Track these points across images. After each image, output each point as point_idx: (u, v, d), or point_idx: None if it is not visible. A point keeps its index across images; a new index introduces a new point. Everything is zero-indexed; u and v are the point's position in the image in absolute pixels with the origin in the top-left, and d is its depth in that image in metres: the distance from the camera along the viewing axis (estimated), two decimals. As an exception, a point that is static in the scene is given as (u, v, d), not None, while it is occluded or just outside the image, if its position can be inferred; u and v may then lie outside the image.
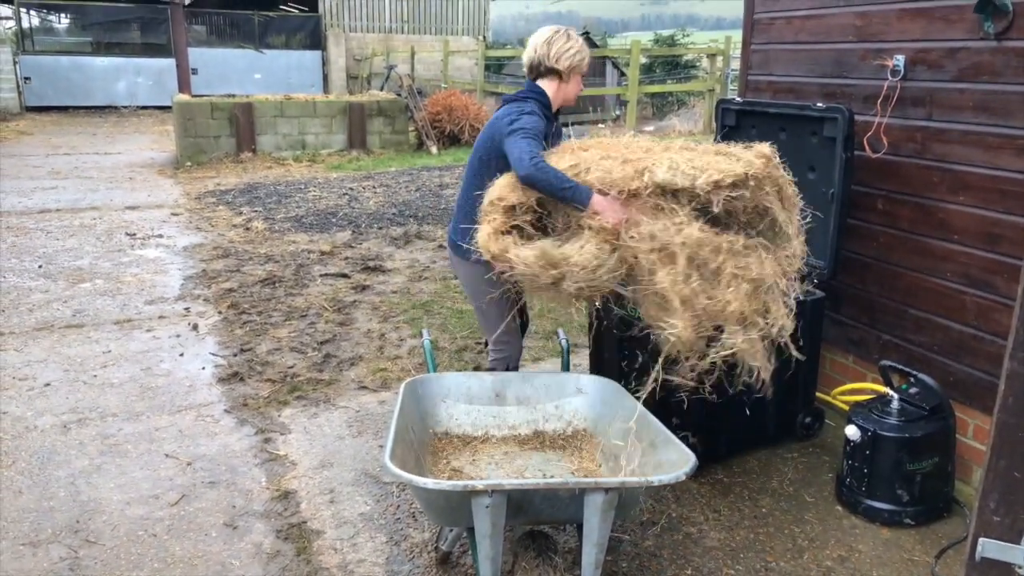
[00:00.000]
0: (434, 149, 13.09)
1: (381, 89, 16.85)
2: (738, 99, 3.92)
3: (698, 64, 20.18)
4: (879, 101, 3.38)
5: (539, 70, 3.08)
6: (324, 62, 22.62)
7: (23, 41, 19.65)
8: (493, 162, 2.96)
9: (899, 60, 3.29)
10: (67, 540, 2.86)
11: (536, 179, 2.64)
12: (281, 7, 27.21)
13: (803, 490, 3.24)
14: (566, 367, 3.27)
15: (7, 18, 22.86)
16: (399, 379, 4.26)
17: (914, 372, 3.11)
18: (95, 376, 4.27)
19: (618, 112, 17.64)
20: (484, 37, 24.49)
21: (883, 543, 2.91)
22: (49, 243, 6.99)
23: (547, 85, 3.09)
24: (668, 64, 20.22)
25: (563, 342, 3.33)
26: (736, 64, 15.81)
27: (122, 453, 3.48)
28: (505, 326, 3.15)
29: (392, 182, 10.37)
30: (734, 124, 3.90)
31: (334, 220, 8.12)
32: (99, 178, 10.41)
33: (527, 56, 3.10)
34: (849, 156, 3.31)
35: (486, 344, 3.35)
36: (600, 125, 16.38)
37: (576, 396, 2.96)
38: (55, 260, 6.45)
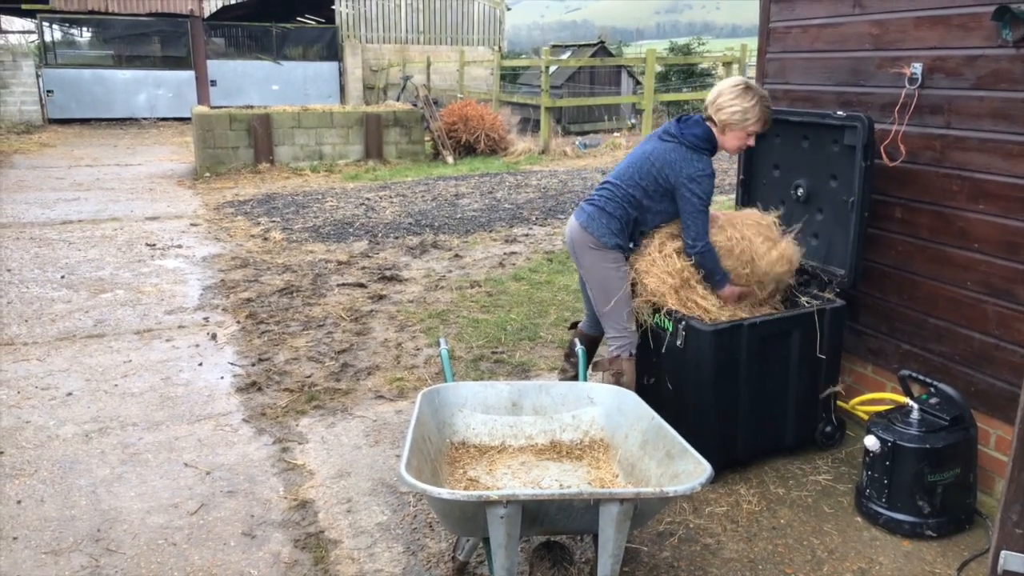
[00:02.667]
0: (450, 159, 13.15)
1: (397, 99, 16.98)
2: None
3: (714, 72, 20.15)
4: (896, 109, 3.36)
5: (707, 114, 3.34)
6: (341, 73, 22.81)
7: (46, 55, 19.98)
8: (656, 197, 3.33)
9: (916, 68, 3.28)
10: (88, 549, 2.89)
11: (700, 263, 3.30)
12: (298, 19, 27.50)
13: (822, 501, 3.22)
14: (583, 375, 3.27)
15: (30, 32, 23.25)
16: (416, 388, 4.28)
17: (934, 382, 3.08)
18: (116, 385, 4.32)
19: (633, 121, 17.63)
20: (499, 47, 24.60)
21: (904, 555, 2.88)
22: (71, 254, 7.09)
23: (714, 130, 3.34)
24: (684, 72, 20.21)
25: (580, 351, 3.33)
26: (752, 72, 15.79)
27: (142, 462, 3.52)
28: (632, 311, 3.39)
29: (408, 192, 10.43)
30: (759, 133, 3.88)
31: (351, 230, 8.17)
32: (120, 189, 10.55)
33: (711, 92, 3.38)
34: (869, 164, 3.30)
35: (573, 326, 3.68)
36: (615, 133, 16.38)
37: (593, 406, 2.96)
38: (77, 271, 6.54)
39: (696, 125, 3.34)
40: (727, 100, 3.25)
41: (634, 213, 3.35)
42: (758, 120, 3.28)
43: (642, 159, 3.36)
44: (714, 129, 3.32)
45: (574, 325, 3.80)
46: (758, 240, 3.41)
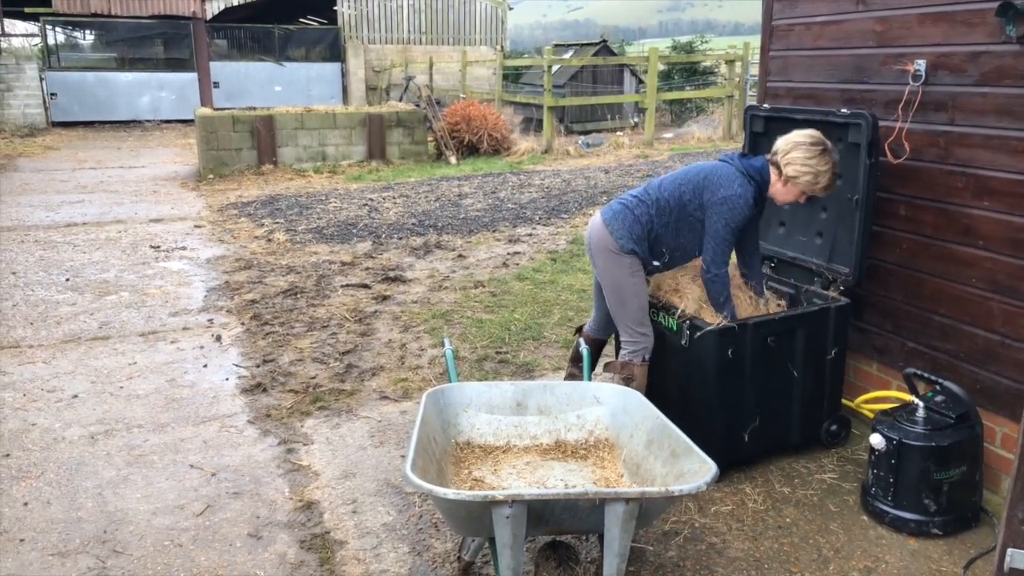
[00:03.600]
0: (453, 159, 13.16)
1: (400, 100, 16.98)
2: (766, 106, 3.90)
3: (716, 70, 20.11)
4: (900, 106, 3.35)
5: (774, 156, 3.23)
6: (343, 74, 22.83)
7: (49, 57, 20.02)
8: (689, 209, 3.26)
9: (920, 65, 3.27)
10: (95, 550, 2.90)
11: (709, 289, 3.29)
12: (301, 20, 27.53)
13: (828, 500, 3.21)
14: (588, 376, 3.26)
15: (33, 35, 23.31)
16: (420, 389, 4.28)
17: (940, 380, 3.07)
18: (121, 387, 4.33)
19: (636, 119, 17.62)
20: (502, 47, 24.60)
21: (910, 554, 2.88)
22: (76, 256, 7.10)
23: (772, 172, 3.24)
24: (686, 71, 20.18)
25: (584, 351, 3.33)
26: (755, 70, 15.74)
27: (148, 464, 3.53)
28: (646, 316, 3.33)
29: (411, 192, 10.43)
30: (762, 131, 3.87)
31: (355, 231, 8.17)
32: (124, 191, 10.57)
33: (781, 139, 3.25)
34: (873, 162, 3.29)
35: (577, 331, 3.53)
36: (618, 132, 16.37)
37: (597, 405, 2.96)
38: (82, 273, 6.55)
39: (757, 159, 3.28)
40: (802, 158, 3.12)
41: (659, 226, 3.25)
42: (825, 187, 3.17)
43: (691, 169, 3.32)
44: (773, 173, 3.22)
45: (579, 329, 3.76)
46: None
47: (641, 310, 3.31)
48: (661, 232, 3.28)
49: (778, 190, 3.24)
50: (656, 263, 3.36)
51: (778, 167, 3.19)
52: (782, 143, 3.21)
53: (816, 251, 3.69)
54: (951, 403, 3.00)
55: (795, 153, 3.14)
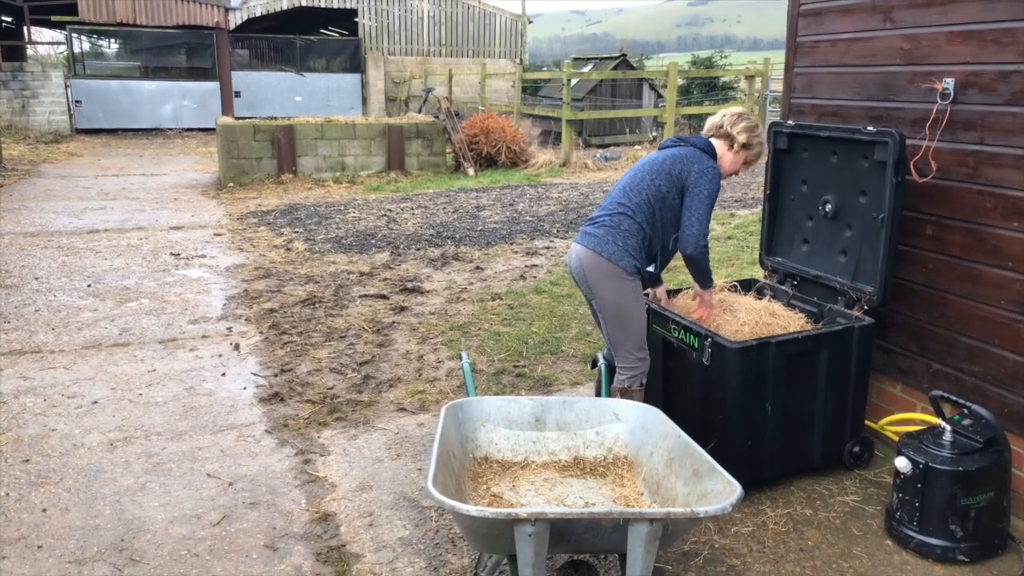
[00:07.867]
0: (471, 171, 13.19)
1: (419, 111, 17.07)
2: (790, 123, 3.87)
3: (736, 85, 20.08)
4: (928, 124, 3.31)
5: (719, 131, 3.43)
6: (363, 85, 22.99)
7: (74, 65, 20.31)
8: (670, 199, 3.28)
9: (949, 83, 3.23)
10: (112, 558, 2.90)
11: (695, 261, 3.27)
12: (322, 31, 27.77)
13: (851, 523, 3.16)
14: (606, 392, 3.24)
15: (59, 43, 23.67)
16: (437, 401, 4.27)
17: (967, 403, 3.02)
18: (140, 395, 4.35)
19: (655, 133, 17.61)
20: (521, 60, 24.70)
21: (936, 580, 2.82)
22: (98, 263, 7.16)
23: (719, 146, 3.41)
24: (705, 85, 20.16)
25: (602, 367, 3.30)
26: (774, 85, 15.69)
27: (166, 472, 3.53)
28: (645, 340, 3.33)
29: (430, 204, 10.46)
30: (786, 147, 3.84)
31: (373, 241, 8.20)
32: (145, 199, 10.67)
33: (713, 118, 3.49)
34: (900, 181, 3.25)
35: (593, 365, 3.51)
36: (637, 146, 16.35)
37: (616, 422, 2.93)
38: (103, 279, 6.61)
39: (696, 138, 3.42)
40: (746, 127, 3.38)
41: (648, 228, 3.23)
42: (759, 152, 3.46)
43: (651, 165, 3.32)
44: (722, 145, 3.41)
45: (593, 363, 3.54)
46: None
47: (642, 335, 3.29)
48: (651, 234, 3.27)
49: (728, 160, 3.41)
50: (651, 268, 3.34)
51: (729, 138, 3.39)
52: (722, 119, 3.43)
53: (840, 270, 3.65)
54: (978, 427, 2.95)
55: (742, 124, 3.39)
